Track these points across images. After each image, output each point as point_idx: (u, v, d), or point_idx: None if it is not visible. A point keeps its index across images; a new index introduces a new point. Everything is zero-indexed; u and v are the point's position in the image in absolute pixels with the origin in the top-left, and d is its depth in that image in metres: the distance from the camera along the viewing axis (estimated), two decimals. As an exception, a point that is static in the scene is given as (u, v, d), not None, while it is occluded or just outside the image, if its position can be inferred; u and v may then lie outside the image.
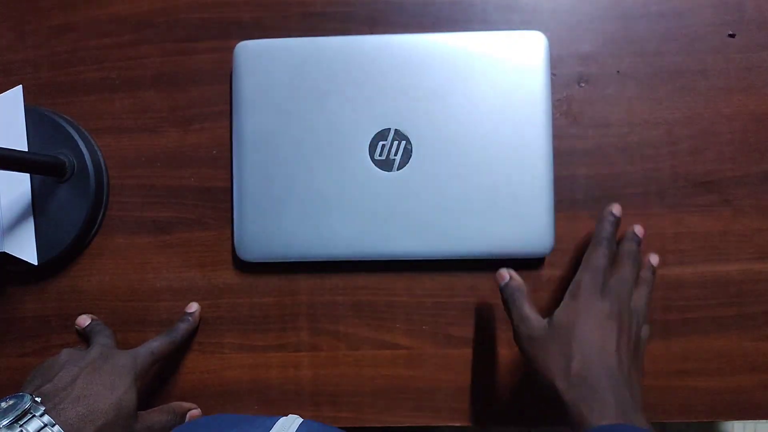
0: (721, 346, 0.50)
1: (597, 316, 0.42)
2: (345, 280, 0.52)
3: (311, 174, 0.50)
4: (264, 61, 0.50)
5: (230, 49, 0.51)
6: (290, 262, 0.51)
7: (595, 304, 0.42)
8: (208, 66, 0.53)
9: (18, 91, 0.51)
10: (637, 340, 0.43)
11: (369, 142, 0.49)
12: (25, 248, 0.51)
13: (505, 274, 0.46)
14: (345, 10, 0.53)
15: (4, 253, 0.50)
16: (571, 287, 0.44)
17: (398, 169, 0.49)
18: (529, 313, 0.44)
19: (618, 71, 0.52)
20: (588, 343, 0.41)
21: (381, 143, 0.49)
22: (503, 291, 0.45)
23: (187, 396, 0.52)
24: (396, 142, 0.49)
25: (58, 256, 0.51)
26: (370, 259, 0.50)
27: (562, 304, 0.43)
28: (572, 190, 0.51)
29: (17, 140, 0.51)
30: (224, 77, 0.53)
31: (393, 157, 0.49)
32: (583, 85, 0.52)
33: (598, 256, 0.44)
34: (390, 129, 0.49)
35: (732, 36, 0.51)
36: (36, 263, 0.51)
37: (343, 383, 0.52)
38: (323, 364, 0.52)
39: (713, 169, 0.51)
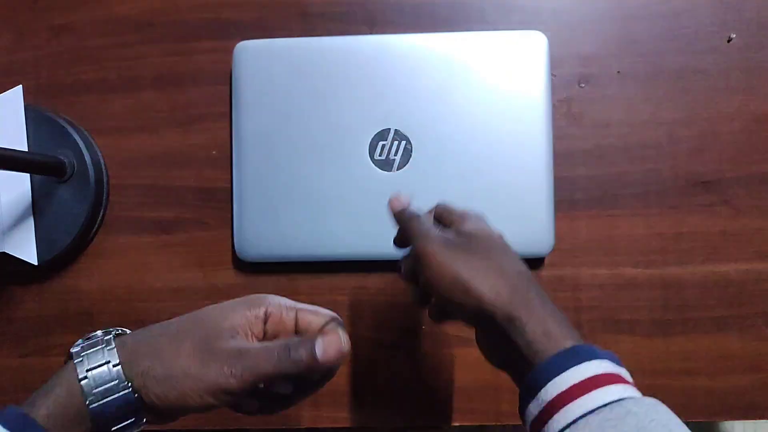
0: (720, 346, 0.50)
1: (497, 234, 0.38)
2: (345, 280, 0.52)
3: (311, 174, 0.50)
4: (264, 61, 0.50)
5: (230, 50, 0.51)
6: (290, 262, 0.51)
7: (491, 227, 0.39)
8: (208, 66, 0.53)
9: (18, 91, 0.51)
10: None
11: (369, 142, 0.49)
12: (25, 248, 0.51)
13: (402, 199, 0.41)
14: (345, 11, 0.53)
15: (4, 253, 0.50)
16: (460, 213, 0.40)
17: (398, 169, 0.49)
18: (435, 227, 0.38)
19: (618, 71, 0.52)
20: (505, 252, 0.37)
21: (381, 143, 0.49)
22: (401, 215, 0.40)
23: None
24: (396, 142, 0.49)
25: (58, 256, 0.51)
26: (370, 259, 0.50)
27: (463, 221, 0.39)
28: (572, 190, 0.51)
29: (17, 140, 0.51)
30: (224, 77, 0.53)
31: (393, 157, 0.49)
32: (583, 85, 0.52)
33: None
34: (390, 129, 0.49)
35: (730, 40, 0.51)
36: (36, 263, 0.50)
37: (342, 383, 0.52)
38: (323, 364, 0.52)
39: (713, 169, 0.51)
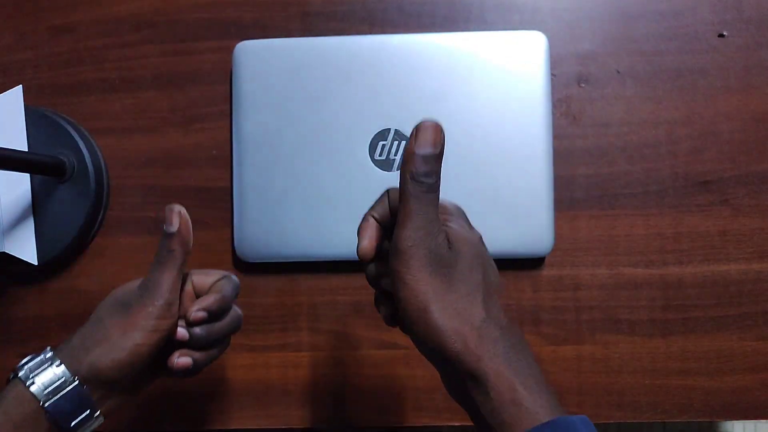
0: (720, 345, 0.50)
1: (477, 239, 0.33)
2: (345, 280, 0.52)
3: (311, 174, 0.50)
4: (264, 61, 0.50)
5: (230, 49, 0.51)
6: (290, 262, 0.51)
7: (475, 235, 0.33)
8: (208, 66, 0.54)
9: (18, 91, 0.51)
10: None
11: (369, 142, 0.49)
12: (25, 248, 0.51)
13: (442, 133, 0.30)
14: (344, 10, 0.53)
15: (4, 253, 0.50)
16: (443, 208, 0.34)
17: (398, 169, 0.49)
18: (438, 221, 0.31)
19: (618, 71, 0.52)
20: (485, 277, 0.32)
21: (381, 143, 0.49)
22: (430, 168, 0.30)
23: (186, 396, 0.52)
24: (396, 142, 0.49)
25: (58, 256, 0.51)
26: (370, 259, 0.50)
27: (449, 226, 0.33)
28: (572, 189, 0.51)
29: (17, 140, 0.51)
30: (224, 77, 0.53)
31: (393, 157, 0.49)
32: (583, 84, 0.52)
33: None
34: (390, 129, 0.49)
35: (722, 36, 0.51)
36: (36, 263, 0.51)
37: (342, 383, 0.52)
38: (323, 364, 0.52)
39: (713, 168, 0.51)
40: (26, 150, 0.51)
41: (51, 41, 0.54)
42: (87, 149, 0.51)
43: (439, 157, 0.30)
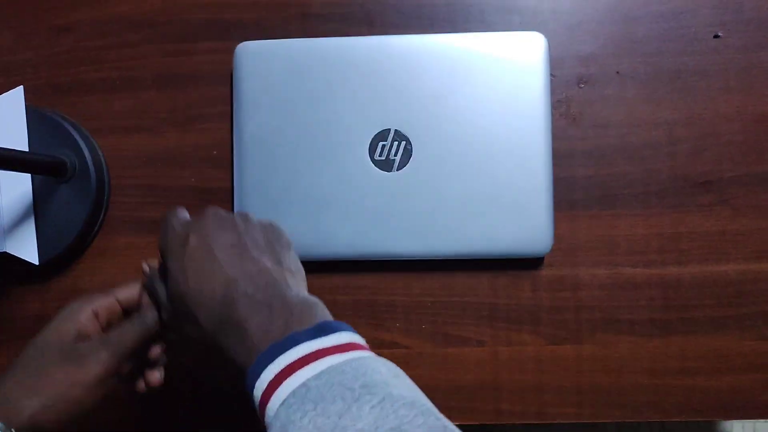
0: (720, 345, 0.51)
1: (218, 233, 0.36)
2: (345, 280, 0.52)
3: (311, 174, 0.50)
4: (264, 62, 0.50)
5: (231, 50, 0.51)
6: (290, 262, 0.51)
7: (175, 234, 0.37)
8: (208, 67, 0.54)
9: (19, 91, 0.51)
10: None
11: (369, 143, 0.49)
12: (26, 248, 0.51)
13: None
14: (344, 11, 0.53)
15: (5, 252, 0.50)
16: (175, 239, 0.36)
17: (398, 169, 0.49)
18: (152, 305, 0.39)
19: (617, 72, 0.52)
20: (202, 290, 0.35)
21: (381, 143, 0.49)
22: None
23: (186, 396, 0.52)
24: (396, 143, 0.49)
25: (59, 256, 0.51)
26: (370, 259, 0.50)
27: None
28: (571, 190, 0.51)
29: (18, 140, 0.51)
30: (225, 78, 0.53)
31: (393, 158, 0.49)
32: (582, 86, 0.52)
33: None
34: (390, 129, 0.49)
35: (717, 37, 0.51)
36: (37, 263, 0.51)
37: (343, 383, 0.52)
38: (323, 363, 0.52)
39: (712, 169, 0.51)
40: (27, 150, 0.51)
41: (51, 41, 0.55)
42: (88, 149, 0.51)
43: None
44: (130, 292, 0.41)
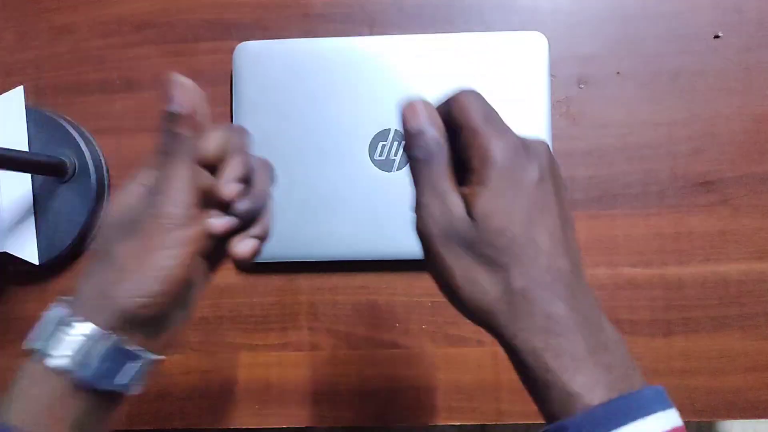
0: (721, 345, 0.50)
1: (534, 201, 0.27)
2: (345, 280, 0.52)
3: (311, 174, 0.50)
4: (264, 62, 0.50)
5: (230, 51, 0.51)
6: (290, 262, 0.51)
7: (526, 184, 0.28)
8: (208, 67, 0.54)
9: (19, 91, 0.52)
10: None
11: (369, 143, 0.49)
12: (27, 248, 0.51)
13: (421, 109, 0.30)
14: (344, 12, 0.53)
15: (6, 252, 0.50)
16: (480, 163, 0.28)
17: (398, 169, 0.49)
18: (449, 188, 0.28)
19: (617, 72, 0.52)
20: (529, 243, 0.27)
21: (381, 143, 0.49)
22: (412, 142, 0.29)
23: (187, 396, 0.52)
24: (396, 142, 0.49)
25: (59, 256, 0.51)
26: (370, 259, 0.50)
27: (479, 190, 0.27)
28: (572, 190, 0.51)
29: (18, 141, 0.51)
30: (224, 78, 0.53)
31: (393, 157, 0.49)
32: (582, 86, 0.52)
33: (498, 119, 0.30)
34: (390, 129, 0.49)
35: (717, 37, 0.51)
36: (37, 263, 0.51)
37: (342, 383, 0.52)
38: (323, 363, 0.52)
39: (712, 169, 0.51)
40: (27, 150, 0.51)
41: (52, 42, 0.55)
42: (88, 149, 0.51)
43: (421, 131, 0.29)
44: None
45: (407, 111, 0.30)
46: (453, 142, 0.30)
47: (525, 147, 0.29)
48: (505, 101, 0.50)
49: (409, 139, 0.29)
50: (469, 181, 0.28)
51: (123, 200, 0.30)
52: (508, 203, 0.27)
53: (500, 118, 0.30)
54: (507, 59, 0.49)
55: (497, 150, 0.28)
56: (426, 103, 0.30)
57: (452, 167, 0.29)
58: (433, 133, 0.29)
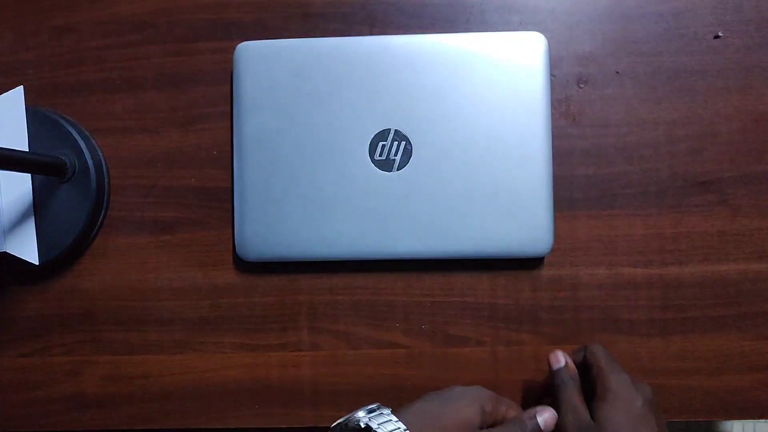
0: (719, 345, 0.51)
1: (638, 418, 0.42)
2: (345, 280, 0.52)
3: (311, 174, 0.50)
4: (265, 62, 0.50)
5: (231, 50, 0.51)
6: (290, 262, 0.51)
7: (633, 407, 0.43)
8: (208, 67, 0.54)
9: (19, 91, 0.51)
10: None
11: (369, 143, 0.50)
12: (26, 248, 0.51)
13: (561, 357, 0.47)
14: (345, 11, 0.53)
15: (5, 252, 0.50)
16: (603, 389, 0.44)
17: (398, 169, 0.49)
18: (579, 403, 0.44)
19: (617, 72, 0.52)
20: None
21: (381, 143, 0.49)
22: (556, 375, 0.46)
23: (186, 396, 0.52)
24: (396, 142, 0.49)
25: (59, 256, 0.51)
26: (370, 259, 0.50)
27: (602, 405, 0.43)
28: (571, 190, 0.52)
29: (18, 140, 0.51)
30: (225, 78, 0.53)
31: (393, 158, 0.49)
32: (582, 85, 0.52)
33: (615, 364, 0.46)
34: (390, 129, 0.49)
35: (718, 37, 0.51)
36: (37, 263, 0.51)
37: (343, 383, 0.52)
38: (323, 363, 0.52)
39: (712, 169, 0.51)
40: (27, 150, 0.51)
41: (52, 41, 0.55)
42: (88, 149, 0.52)
43: (560, 369, 0.46)
44: (512, 410, 0.44)
45: (552, 357, 0.47)
46: (585, 376, 0.46)
47: (634, 384, 0.44)
48: (505, 101, 0.50)
49: (554, 373, 0.46)
50: (595, 400, 0.44)
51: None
52: (619, 415, 0.42)
53: (617, 363, 0.46)
54: (507, 59, 0.49)
55: (614, 382, 0.44)
56: (563, 353, 0.47)
57: (581, 391, 0.45)
58: (567, 369, 0.46)
